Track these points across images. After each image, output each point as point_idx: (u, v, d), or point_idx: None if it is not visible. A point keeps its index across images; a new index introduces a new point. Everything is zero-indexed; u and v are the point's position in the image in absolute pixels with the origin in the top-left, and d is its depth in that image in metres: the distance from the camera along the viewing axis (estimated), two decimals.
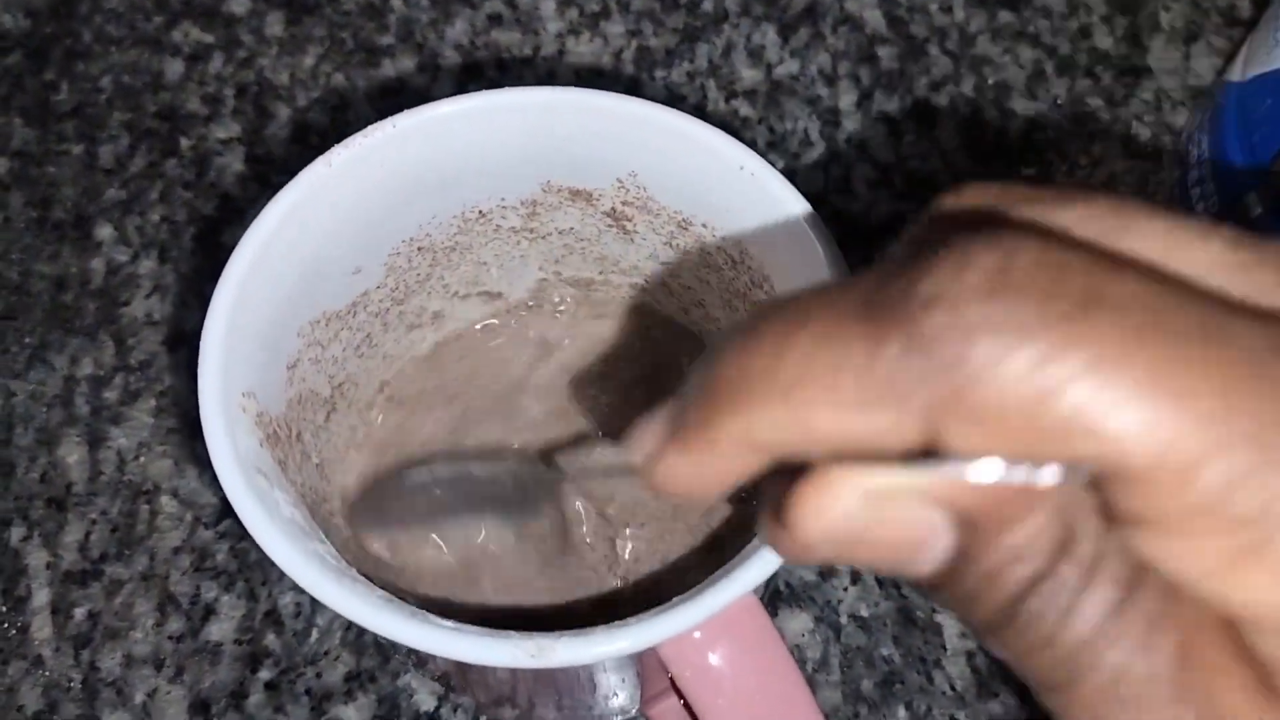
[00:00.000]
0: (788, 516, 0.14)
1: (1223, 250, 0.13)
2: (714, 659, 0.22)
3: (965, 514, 0.13)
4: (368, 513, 0.28)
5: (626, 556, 0.28)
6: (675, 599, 0.21)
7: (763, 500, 0.15)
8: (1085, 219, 0.14)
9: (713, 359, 0.14)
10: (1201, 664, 0.13)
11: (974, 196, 0.15)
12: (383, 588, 0.22)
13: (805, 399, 0.13)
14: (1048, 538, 0.13)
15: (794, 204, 0.24)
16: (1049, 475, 0.12)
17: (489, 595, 0.28)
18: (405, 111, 0.25)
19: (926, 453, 0.13)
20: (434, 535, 0.28)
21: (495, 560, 0.28)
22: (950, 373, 0.12)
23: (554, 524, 0.28)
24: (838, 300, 0.13)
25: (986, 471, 0.12)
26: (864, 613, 0.32)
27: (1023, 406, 0.12)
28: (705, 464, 0.15)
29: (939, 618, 0.31)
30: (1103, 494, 0.13)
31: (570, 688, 0.28)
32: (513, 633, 0.20)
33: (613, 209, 0.28)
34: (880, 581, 0.32)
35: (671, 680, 0.23)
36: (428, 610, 0.21)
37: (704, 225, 0.27)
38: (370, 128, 0.25)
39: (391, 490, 0.28)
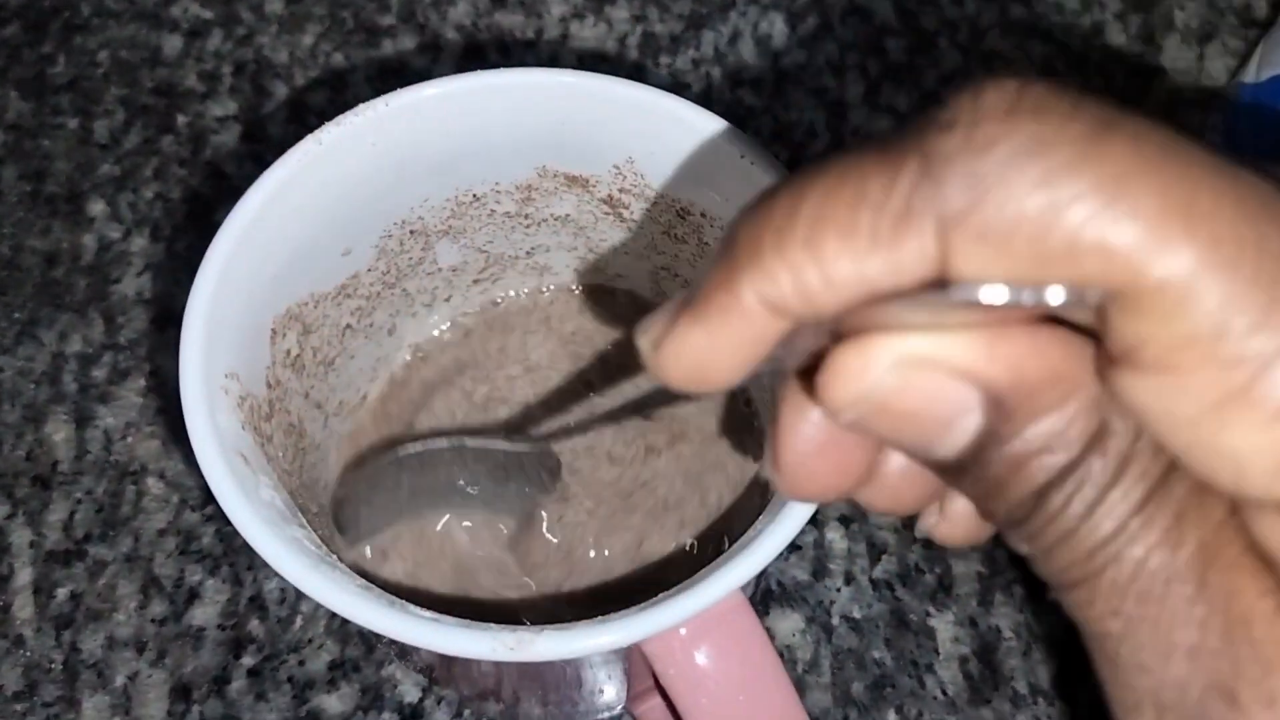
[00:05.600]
0: (824, 377, 0.14)
1: None
2: (699, 658, 0.21)
3: (997, 392, 0.13)
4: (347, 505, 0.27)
5: (591, 555, 0.28)
6: (659, 595, 0.20)
7: (783, 376, 0.15)
8: None
9: (732, 227, 0.14)
10: (1224, 563, 0.13)
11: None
12: (363, 575, 0.21)
13: (824, 243, 0.13)
14: (1079, 429, 0.13)
15: None
16: (1055, 296, 0.12)
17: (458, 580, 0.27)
18: (398, 90, 0.24)
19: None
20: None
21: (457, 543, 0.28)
22: (963, 189, 0.12)
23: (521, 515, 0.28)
24: (855, 149, 0.13)
25: (995, 293, 0.12)
26: (856, 614, 0.31)
27: (1033, 221, 0.12)
28: (720, 333, 0.14)
29: (932, 621, 0.31)
30: (1104, 332, 0.13)
31: (556, 683, 0.27)
32: (492, 625, 0.20)
33: (609, 196, 0.27)
34: (874, 583, 0.31)
35: (656, 678, 0.22)
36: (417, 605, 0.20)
37: (703, 214, 0.26)
38: (362, 106, 0.24)
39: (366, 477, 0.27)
